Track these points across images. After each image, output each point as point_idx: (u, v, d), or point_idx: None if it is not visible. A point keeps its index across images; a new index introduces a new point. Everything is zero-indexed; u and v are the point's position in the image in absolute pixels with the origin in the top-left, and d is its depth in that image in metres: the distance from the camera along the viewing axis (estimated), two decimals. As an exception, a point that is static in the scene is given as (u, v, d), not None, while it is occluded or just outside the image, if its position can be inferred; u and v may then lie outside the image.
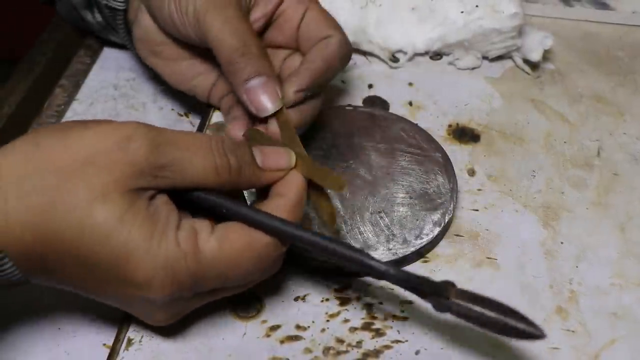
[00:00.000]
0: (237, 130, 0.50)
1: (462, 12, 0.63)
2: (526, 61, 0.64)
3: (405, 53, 0.64)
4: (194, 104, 0.59)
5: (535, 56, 0.63)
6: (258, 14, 0.51)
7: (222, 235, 0.39)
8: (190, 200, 0.40)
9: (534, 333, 0.39)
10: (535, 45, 0.63)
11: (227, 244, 0.39)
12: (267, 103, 0.47)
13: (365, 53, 0.65)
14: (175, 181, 0.38)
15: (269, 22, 0.52)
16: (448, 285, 0.40)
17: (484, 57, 0.65)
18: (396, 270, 0.40)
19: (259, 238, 0.39)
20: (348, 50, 0.51)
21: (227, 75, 0.48)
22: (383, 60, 0.64)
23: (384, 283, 0.47)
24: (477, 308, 0.39)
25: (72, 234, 0.36)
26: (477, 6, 0.63)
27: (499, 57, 0.65)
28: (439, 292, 0.40)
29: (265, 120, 0.48)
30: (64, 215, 0.36)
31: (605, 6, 0.71)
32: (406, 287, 0.40)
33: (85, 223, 0.36)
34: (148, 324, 0.43)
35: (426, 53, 0.65)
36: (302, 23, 0.51)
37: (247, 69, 0.47)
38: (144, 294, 0.38)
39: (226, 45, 0.47)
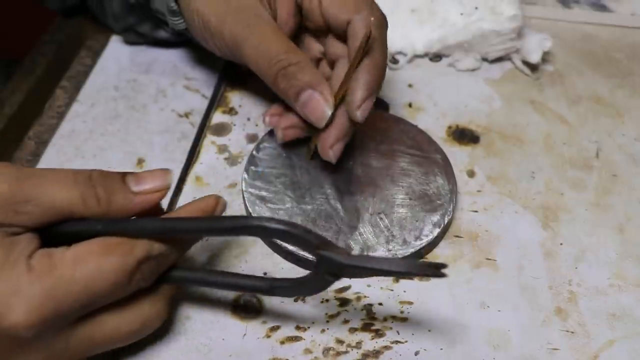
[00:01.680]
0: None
1: (461, 13, 0.63)
2: (525, 63, 0.64)
3: (405, 55, 0.65)
4: (195, 105, 0.59)
5: (535, 58, 0.63)
6: (284, 15, 0.51)
7: (79, 245, 0.37)
8: (66, 234, 0.38)
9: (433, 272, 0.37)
10: (534, 47, 0.63)
11: (84, 249, 0.37)
12: (322, 112, 0.47)
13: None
14: (41, 216, 0.37)
15: (297, 15, 0.52)
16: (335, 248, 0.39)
17: (484, 59, 0.65)
18: (276, 221, 0.37)
19: (115, 239, 0.38)
20: (380, 27, 0.49)
21: (277, 92, 0.49)
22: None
23: (384, 284, 0.48)
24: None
25: None
26: (476, 8, 0.63)
27: (499, 59, 0.65)
28: (325, 246, 0.38)
29: None
30: None
31: (604, 8, 0.72)
32: (291, 241, 0.39)
33: None
34: None
35: (426, 55, 0.65)
36: (322, 6, 0.50)
37: (291, 89, 0.48)
38: (4, 329, 0.35)
39: (264, 69, 0.48)
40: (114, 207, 0.39)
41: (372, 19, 0.48)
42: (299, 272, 0.48)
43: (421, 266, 0.38)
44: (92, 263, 0.36)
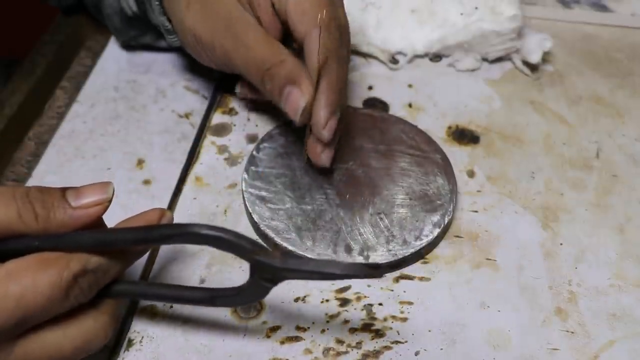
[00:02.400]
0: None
1: (461, 14, 0.63)
2: (525, 63, 0.64)
3: (405, 55, 0.65)
4: (195, 105, 0.59)
5: (535, 58, 0.63)
6: (267, 18, 0.52)
7: (14, 261, 0.37)
8: (3, 253, 0.38)
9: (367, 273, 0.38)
10: (534, 47, 0.63)
11: (18, 265, 0.36)
12: (297, 105, 0.48)
13: (365, 55, 0.65)
14: None
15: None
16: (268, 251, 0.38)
17: (484, 59, 0.65)
18: (208, 227, 0.37)
19: (51, 254, 0.37)
20: (335, 43, 0.49)
21: (268, 96, 0.51)
22: (383, 62, 0.64)
23: (384, 284, 0.48)
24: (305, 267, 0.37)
25: None
26: (476, 8, 0.63)
27: (499, 59, 0.65)
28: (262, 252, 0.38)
29: None
30: None
31: (604, 8, 0.72)
32: (224, 247, 0.38)
33: None
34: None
35: (426, 55, 0.65)
36: (287, 13, 0.50)
37: (275, 89, 0.49)
38: None
39: (254, 76, 0.50)
40: (54, 223, 0.38)
41: (327, 36, 0.48)
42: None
43: (357, 267, 0.38)
44: (26, 278, 0.36)
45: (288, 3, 0.50)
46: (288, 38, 0.52)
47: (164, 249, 0.49)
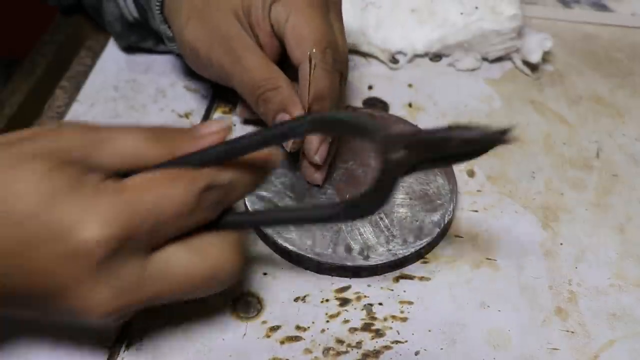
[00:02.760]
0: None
1: (461, 13, 0.63)
2: (526, 63, 0.64)
3: (405, 54, 0.65)
4: (194, 105, 0.59)
5: (535, 58, 0.63)
6: (266, 39, 0.52)
7: (145, 173, 0.37)
8: None
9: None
10: (534, 46, 0.63)
11: (150, 174, 0.37)
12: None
13: (365, 54, 0.65)
14: (112, 158, 0.37)
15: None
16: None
17: (484, 59, 0.65)
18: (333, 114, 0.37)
19: (179, 169, 0.38)
20: (329, 75, 0.49)
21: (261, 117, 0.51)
22: (383, 62, 0.64)
23: (384, 284, 0.48)
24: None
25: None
26: (476, 8, 0.63)
27: (499, 59, 0.65)
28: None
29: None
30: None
31: (604, 8, 0.72)
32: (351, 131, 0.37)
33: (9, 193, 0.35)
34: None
35: (426, 54, 0.65)
36: (285, 37, 0.51)
37: (269, 113, 0.50)
38: (77, 246, 0.35)
39: (248, 97, 0.51)
40: (179, 152, 0.39)
41: (321, 71, 0.48)
42: (299, 271, 0.48)
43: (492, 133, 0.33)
44: (160, 186, 0.36)
45: (286, 27, 0.50)
46: (287, 59, 0.52)
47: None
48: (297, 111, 0.49)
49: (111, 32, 0.63)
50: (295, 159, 0.53)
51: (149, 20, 0.58)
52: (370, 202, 0.36)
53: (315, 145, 0.49)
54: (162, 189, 0.36)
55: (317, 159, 0.49)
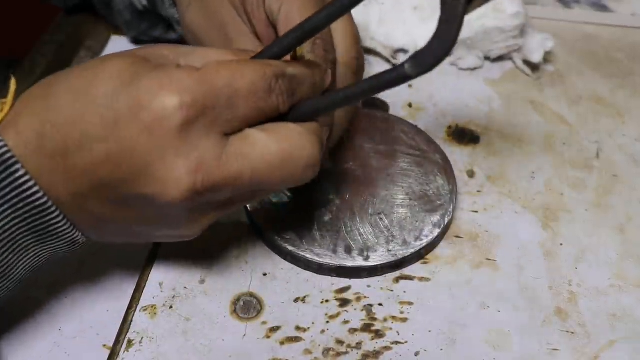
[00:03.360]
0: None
1: (463, 12, 0.63)
2: (526, 62, 0.64)
3: (407, 51, 0.64)
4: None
5: (536, 57, 0.63)
6: (262, 28, 0.51)
7: (206, 50, 0.40)
8: None
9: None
10: (536, 46, 0.63)
11: (218, 52, 0.40)
12: None
13: (366, 51, 0.65)
14: (194, 62, 0.39)
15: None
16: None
17: (486, 58, 0.65)
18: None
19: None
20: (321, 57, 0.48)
21: None
22: (385, 59, 0.64)
23: (384, 285, 0.48)
24: None
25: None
26: (478, 6, 0.63)
27: (499, 59, 0.65)
28: None
29: None
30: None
31: (604, 8, 0.72)
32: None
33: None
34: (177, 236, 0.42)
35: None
36: (278, 25, 0.49)
37: None
38: (156, 109, 0.36)
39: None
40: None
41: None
42: (299, 272, 0.48)
43: None
44: (234, 67, 0.37)
45: (279, 17, 0.49)
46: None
47: (164, 254, 0.49)
48: None
49: (121, 22, 0.63)
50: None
51: (158, 7, 0.59)
52: (441, 41, 0.36)
53: None
54: (236, 69, 0.37)
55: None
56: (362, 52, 0.51)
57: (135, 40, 0.65)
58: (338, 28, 0.49)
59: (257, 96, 0.38)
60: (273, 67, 0.38)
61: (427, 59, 0.36)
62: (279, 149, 0.38)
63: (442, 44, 0.36)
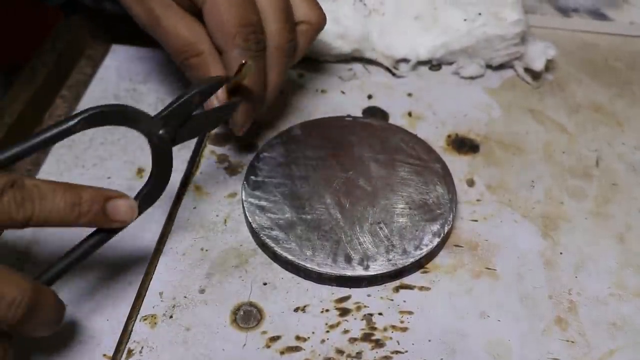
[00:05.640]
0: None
1: (465, 20, 0.63)
2: (527, 70, 0.65)
3: (408, 61, 0.64)
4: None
5: (538, 65, 0.63)
6: None
7: None
8: None
9: None
10: (538, 54, 0.63)
11: None
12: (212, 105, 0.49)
13: (367, 61, 0.65)
14: None
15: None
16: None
17: (488, 65, 0.65)
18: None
19: None
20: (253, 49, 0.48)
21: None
22: (386, 68, 0.64)
23: (384, 294, 0.48)
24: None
25: None
26: (479, 14, 0.63)
27: (500, 67, 0.65)
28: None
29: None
30: None
31: (603, 17, 0.72)
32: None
33: None
34: None
35: (429, 61, 0.65)
36: (205, 17, 0.49)
37: (193, 80, 0.51)
38: None
39: (172, 55, 0.51)
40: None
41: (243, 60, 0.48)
42: (299, 281, 0.48)
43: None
44: None
45: (204, 9, 0.48)
46: None
47: (164, 263, 0.49)
48: (221, 90, 0.48)
49: None
50: (295, 168, 0.53)
51: None
52: (157, 182, 0.45)
53: (239, 124, 0.51)
54: None
55: (239, 133, 0.52)
56: (295, 29, 0.51)
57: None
58: (219, 6, 0.47)
59: None
60: (10, 176, 0.38)
61: (150, 199, 0.45)
62: None
63: (160, 184, 0.45)
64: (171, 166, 0.45)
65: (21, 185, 0.38)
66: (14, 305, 0.36)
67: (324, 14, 0.54)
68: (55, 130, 0.40)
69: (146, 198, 0.45)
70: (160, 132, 0.44)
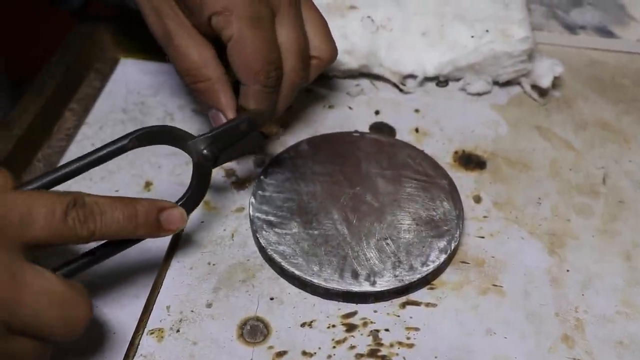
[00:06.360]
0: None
1: (472, 36, 0.63)
2: (534, 87, 0.65)
3: (415, 77, 0.65)
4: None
5: (546, 82, 0.63)
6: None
7: None
8: None
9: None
10: (545, 71, 0.63)
11: None
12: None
13: (375, 77, 0.65)
14: None
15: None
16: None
17: (495, 82, 0.65)
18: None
19: None
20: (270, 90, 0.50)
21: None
22: (394, 84, 0.64)
23: (391, 310, 0.48)
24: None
25: None
26: (487, 31, 0.63)
27: (507, 84, 0.65)
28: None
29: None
30: None
31: (609, 34, 0.72)
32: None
33: None
34: None
35: (436, 77, 0.65)
36: (229, 51, 0.49)
37: (201, 102, 0.52)
38: None
39: (180, 74, 0.51)
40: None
41: (261, 92, 0.50)
42: (306, 297, 0.48)
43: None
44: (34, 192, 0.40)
45: (229, 44, 0.49)
46: None
47: (171, 277, 0.49)
48: (231, 114, 0.50)
49: None
50: (302, 183, 0.53)
51: None
52: (194, 195, 0.48)
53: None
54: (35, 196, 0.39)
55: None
56: (309, 66, 0.52)
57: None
58: (244, 44, 0.48)
59: (54, 217, 0.38)
60: (72, 194, 0.40)
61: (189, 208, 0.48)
62: (65, 289, 0.38)
63: (197, 197, 0.48)
64: (208, 183, 0.48)
65: (82, 204, 0.40)
66: (79, 328, 0.39)
67: (336, 49, 0.54)
68: (109, 149, 0.44)
69: (186, 207, 0.47)
70: (205, 151, 0.47)
